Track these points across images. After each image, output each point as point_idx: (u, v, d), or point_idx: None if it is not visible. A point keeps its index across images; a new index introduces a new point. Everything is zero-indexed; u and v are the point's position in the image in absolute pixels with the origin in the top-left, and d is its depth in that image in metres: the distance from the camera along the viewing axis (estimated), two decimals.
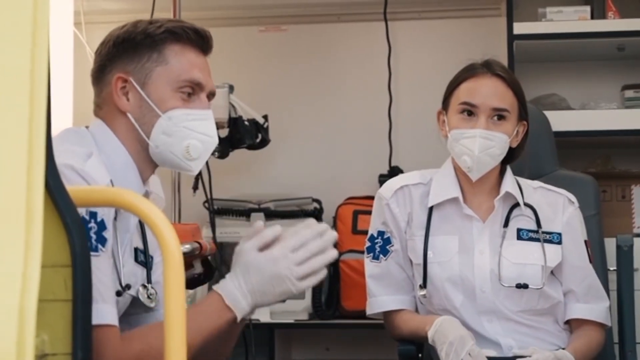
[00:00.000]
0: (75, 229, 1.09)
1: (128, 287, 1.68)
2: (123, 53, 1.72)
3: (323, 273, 1.59)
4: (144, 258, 1.74)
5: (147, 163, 1.74)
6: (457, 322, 2.09)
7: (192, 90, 1.73)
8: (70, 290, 1.08)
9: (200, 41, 1.75)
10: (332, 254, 1.60)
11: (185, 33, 1.72)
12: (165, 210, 1.63)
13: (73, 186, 1.22)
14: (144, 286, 1.74)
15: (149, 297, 1.74)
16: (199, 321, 1.59)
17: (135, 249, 1.73)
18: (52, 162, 1.06)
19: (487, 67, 2.18)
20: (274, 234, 1.59)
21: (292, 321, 3.27)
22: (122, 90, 1.71)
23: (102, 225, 1.55)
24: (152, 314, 1.81)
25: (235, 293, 1.59)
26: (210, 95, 1.78)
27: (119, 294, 1.65)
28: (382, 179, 3.34)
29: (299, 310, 3.26)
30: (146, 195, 1.76)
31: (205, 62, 1.77)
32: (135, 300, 1.77)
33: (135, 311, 1.81)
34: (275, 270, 1.57)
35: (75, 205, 1.12)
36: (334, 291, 3.38)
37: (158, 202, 1.82)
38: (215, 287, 1.62)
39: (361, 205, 3.40)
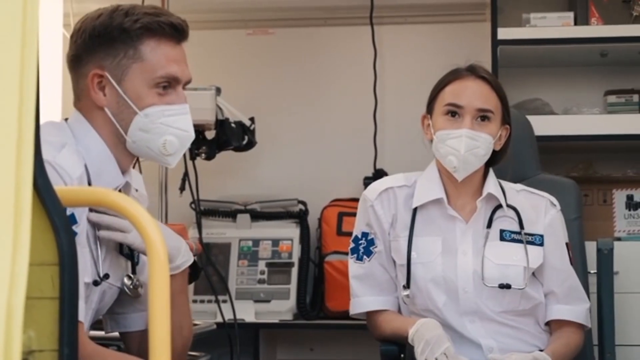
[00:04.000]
0: (62, 228, 1.10)
1: (107, 276, 1.70)
2: (99, 47, 1.72)
3: None
4: (129, 250, 1.77)
5: (125, 154, 1.76)
6: (437, 324, 2.11)
7: (169, 84, 1.73)
8: (57, 288, 1.09)
9: (176, 33, 1.75)
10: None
11: (161, 28, 1.72)
12: (151, 210, 1.65)
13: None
14: (129, 277, 1.77)
15: (134, 287, 1.77)
16: None
17: None
18: (40, 161, 1.08)
19: (472, 71, 2.21)
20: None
21: (276, 321, 3.28)
22: (98, 85, 1.72)
23: (72, 219, 1.57)
24: (140, 314, 1.82)
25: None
26: (187, 83, 1.78)
27: (96, 283, 1.68)
28: (367, 182, 3.35)
29: (283, 310, 3.27)
30: (127, 185, 1.78)
31: (181, 52, 1.77)
32: (122, 295, 1.79)
33: (122, 310, 1.83)
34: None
35: (63, 204, 1.13)
36: (318, 292, 3.40)
37: (142, 200, 1.84)
38: None
39: (346, 207, 3.41)
